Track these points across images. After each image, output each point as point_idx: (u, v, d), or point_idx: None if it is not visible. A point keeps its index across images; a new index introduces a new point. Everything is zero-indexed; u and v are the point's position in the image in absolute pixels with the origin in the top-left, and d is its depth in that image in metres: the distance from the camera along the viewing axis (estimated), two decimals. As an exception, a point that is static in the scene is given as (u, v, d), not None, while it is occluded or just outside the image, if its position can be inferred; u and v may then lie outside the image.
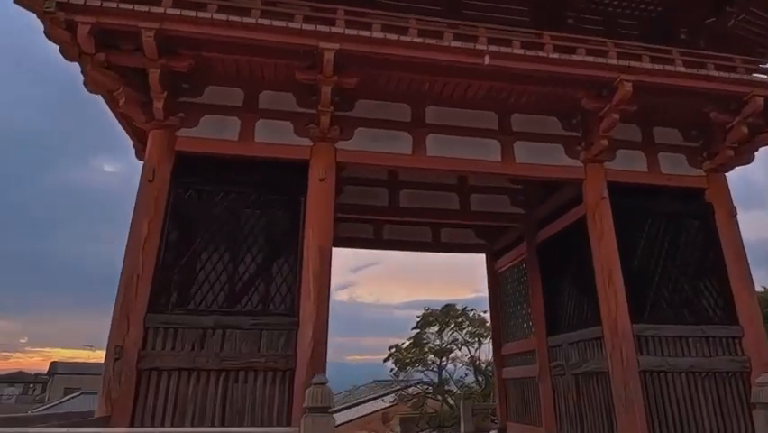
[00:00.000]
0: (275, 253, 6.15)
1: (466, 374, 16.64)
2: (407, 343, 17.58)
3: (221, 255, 6.02)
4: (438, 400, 16.96)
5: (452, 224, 10.81)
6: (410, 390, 17.63)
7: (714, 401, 6.43)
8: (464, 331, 16.86)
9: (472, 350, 16.52)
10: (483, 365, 16.15)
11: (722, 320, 6.83)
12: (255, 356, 5.61)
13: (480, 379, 15.81)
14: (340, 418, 30.36)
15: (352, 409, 30.50)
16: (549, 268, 8.50)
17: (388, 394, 19.21)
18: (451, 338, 16.78)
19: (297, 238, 6.17)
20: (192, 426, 5.28)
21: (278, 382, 5.60)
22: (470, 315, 16.95)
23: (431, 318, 17.32)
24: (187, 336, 5.60)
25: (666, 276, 6.98)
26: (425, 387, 17.21)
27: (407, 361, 17.16)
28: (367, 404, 26.08)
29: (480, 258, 11.19)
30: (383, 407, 21.53)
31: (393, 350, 17.81)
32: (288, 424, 5.37)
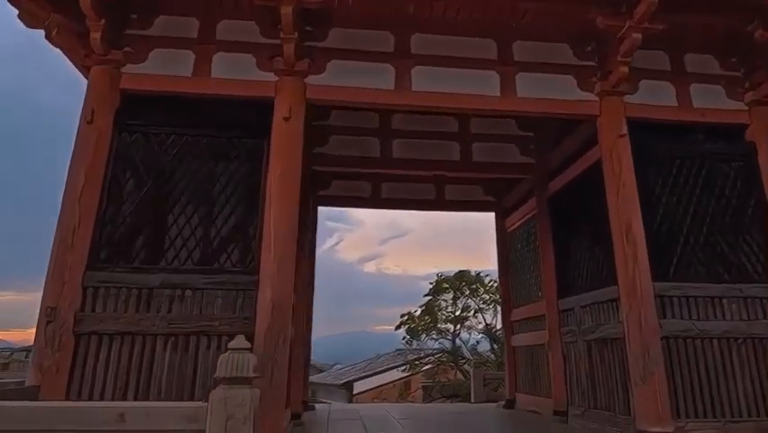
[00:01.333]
0: (233, 204, 5.38)
1: (478, 342, 15.90)
2: (420, 311, 16.89)
3: (171, 207, 5.29)
4: (452, 369, 16.35)
5: (458, 179, 9.86)
6: (424, 359, 17.03)
7: (751, 372, 5.46)
8: (479, 298, 16.02)
9: (488, 317, 15.71)
10: (499, 333, 15.32)
11: (765, 279, 5.78)
12: (208, 319, 4.91)
13: (495, 347, 15.02)
14: (360, 386, 30.57)
15: (375, 377, 30.58)
16: (560, 223, 7.51)
17: (403, 364, 18.68)
18: (465, 305, 15.99)
19: (259, 187, 5.38)
20: (135, 397, 4.66)
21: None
22: (486, 281, 16.06)
23: (444, 285, 16.51)
24: (131, 297, 4.93)
25: (697, 228, 5.94)
26: (439, 355, 16.58)
27: (420, 329, 16.48)
28: (386, 373, 25.90)
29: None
30: (405, 375, 21.19)
31: (405, 318, 17.14)
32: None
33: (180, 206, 5.29)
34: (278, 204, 5.17)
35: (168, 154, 5.43)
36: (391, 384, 24.21)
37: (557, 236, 7.58)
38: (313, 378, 37.51)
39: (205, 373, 4.79)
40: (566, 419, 6.80)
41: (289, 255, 5.10)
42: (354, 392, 31.01)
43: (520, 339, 8.78)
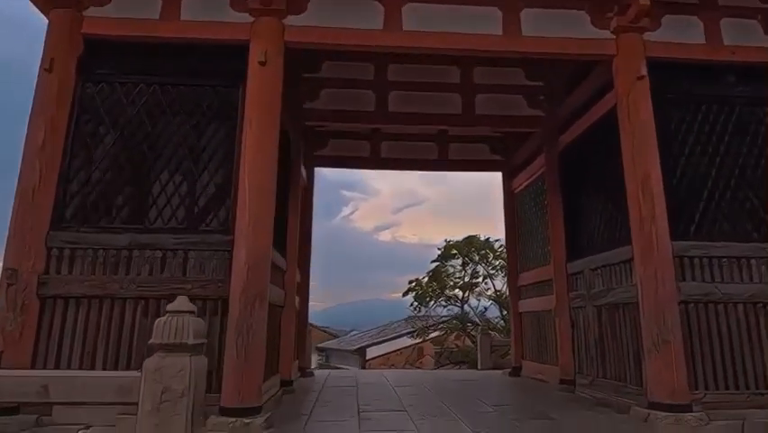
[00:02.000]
0: (206, 159, 4.94)
1: (486, 309, 15.52)
2: (427, 277, 16.51)
3: (140, 161, 4.87)
4: (461, 336, 16.07)
5: (462, 137, 9.28)
6: (432, 325, 16.76)
7: (780, 340, 4.95)
8: (488, 264, 15.56)
9: (497, 284, 15.27)
10: (508, 300, 14.88)
11: (798, 237, 5.20)
12: (179, 282, 4.52)
13: (504, 313, 14.62)
14: (373, 352, 30.75)
15: (387, 343, 30.74)
16: (571, 180, 6.93)
17: (411, 331, 18.46)
18: (474, 271, 15.55)
19: (233, 139, 4.92)
20: (104, 365, 4.33)
21: (209, 313, 4.55)
22: (496, 246, 15.55)
23: (453, 251, 16.05)
24: (98, 259, 4.58)
25: (723, 181, 5.34)
26: (447, 322, 16.28)
27: (428, 295, 16.15)
28: (399, 339, 25.95)
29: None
30: (417, 342, 21.08)
31: (413, 284, 16.80)
32: (220, 364, 4.37)
33: (150, 161, 4.87)
34: (254, 157, 4.70)
35: (135, 105, 4.97)
36: (403, 350, 24.24)
37: (567, 195, 7.01)
38: (328, 344, 38.00)
39: (177, 339, 4.45)
40: (573, 388, 6.40)
41: (266, 213, 4.67)
42: (367, 358, 31.27)
43: (527, 305, 8.34)
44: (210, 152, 4.95)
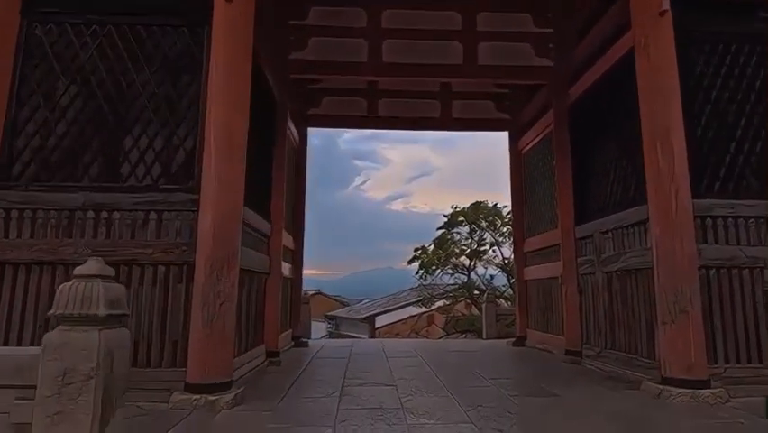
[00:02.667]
0: (168, 109, 4.42)
1: (493, 277, 15.07)
2: (433, 245, 16.05)
3: (94, 112, 4.37)
4: (468, 304, 15.72)
5: (466, 94, 8.65)
6: (438, 294, 16.41)
7: (813, 309, 4.42)
8: (496, 231, 15.03)
9: (505, 251, 14.78)
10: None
11: (837, 195, 4.59)
12: (140, 246, 4.11)
13: (511, 281, 14.15)
14: (382, 320, 30.76)
15: (396, 311, 30.72)
16: (581, 136, 6.32)
17: (417, 300, 18.14)
18: (481, 238, 15.04)
19: (199, 88, 4.39)
20: (59, 335, 3.98)
21: (173, 280, 4.13)
22: (504, 213, 14.98)
23: (460, 218, 15.52)
24: (49, 220, 4.15)
25: (753, 132, 4.71)
26: (454, 290, 15.90)
27: (434, 263, 15.72)
28: (408, 308, 25.85)
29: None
30: (426, 310, 20.90)
31: (419, 252, 16.36)
32: (186, 336, 3.97)
33: (107, 112, 4.37)
34: (221, 108, 4.17)
35: (88, 48, 4.44)
36: (411, 319, 24.14)
37: (577, 152, 6.41)
38: (337, 312, 38.16)
39: (138, 309, 4.05)
40: (579, 359, 5.95)
41: (235, 169, 4.17)
42: (376, 326, 31.35)
43: (532, 272, 7.85)
44: (173, 101, 4.42)
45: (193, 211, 4.14)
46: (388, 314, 32.33)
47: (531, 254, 7.99)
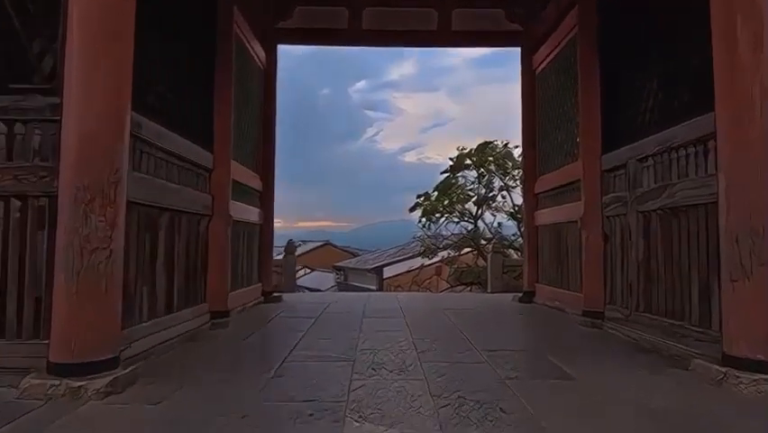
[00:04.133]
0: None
1: (500, 225, 13.79)
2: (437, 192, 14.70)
3: None
4: (475, 255, 14.56)
5: (469, 1, 7.06)
6: (441, 243, 15.23)
7: None
8: (507, 175, 13.60)
9: (516, 197, 13.40)
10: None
11: None
12: (-20, 171, 2.90)
13: (522, 230, 12.88)
14: (390, 271, 30.07)
15: (404, 262, 30.01)
16: (612, 37, 4.84)
17: (421, 252, 17.01)
18: (489, 183, 13.65)
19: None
20: None
21: (31, 218, 2.94)
22: (516, 155, 13.50)
23: (466, 161, 14.08)
24: None
25: None
26: (459, 240, 14.70)
27: (437, 211, 14.44)
28: (415, 259, 25.00)
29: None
30: (435, 261, 19.97)
31: (422, 199, 15.06)
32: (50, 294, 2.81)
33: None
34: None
35: None
36: (418, 269, 23.25)
37: (606, 59, 4.95)
38: (345, 263, 37.57)
39: (-18, 258, 2.89)
40: (601, 322, 4.76)
41: (116, 59, 2.87)
42: (384, 276, 30.72)
43: (545, 216, 6.55)
44: (25, -36, 3.07)
45: (55, 121, 2.88)
46: (395, 265, 31.65)
47: (544, 195, 6.66)
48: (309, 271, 38.31)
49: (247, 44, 6.00)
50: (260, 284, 6.63)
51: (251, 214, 6.27)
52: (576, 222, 5.32)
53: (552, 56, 6.37)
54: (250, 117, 6.22)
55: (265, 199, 6.84)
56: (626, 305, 4.40)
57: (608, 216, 4.78)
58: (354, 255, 44.07)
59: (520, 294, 7.06)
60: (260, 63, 6.65)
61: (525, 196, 7.42)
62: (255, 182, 6.45)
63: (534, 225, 6.93)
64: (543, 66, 6.70)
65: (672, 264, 3.75)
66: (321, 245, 48.20)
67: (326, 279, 36.04)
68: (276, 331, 4.63)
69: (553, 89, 6.40)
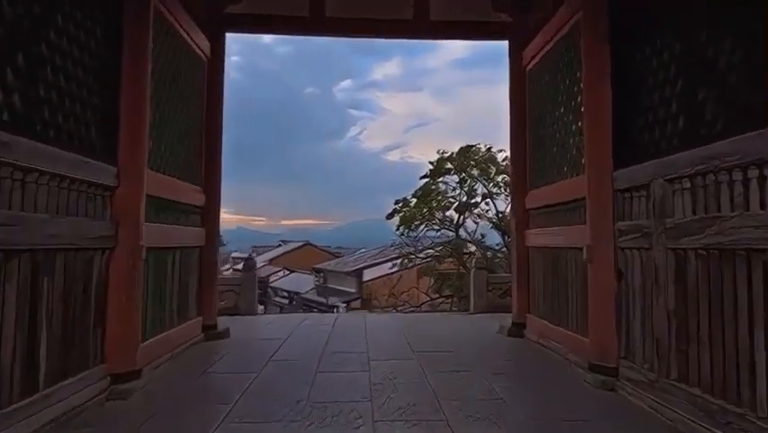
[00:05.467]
0: None
1: (484, 235, 12.86)
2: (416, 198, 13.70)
3: None
4: (455, 266, 13.59)
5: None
6: (420, 252, 14.23)
7: None
8: (490, 181, 12.68)
9: (500, 204, 12.49)
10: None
11: None
12: None
13: (506, 239, 11.98)
14: (372, 273, 29.12)
15: (382, 266, 29.18)
16: (631, 22, 3.87)
17: (397, 258, 16.01)
18: (471, 188, 12.70)
19: None
20: None
21: None
22: (499, 159, 12.58)
23: (447, 165, 13.12)
24: None
25: None
26: (440, 248, 13.73)
27: (416, 218, 13.44)
28: (396, 261, 24.23)
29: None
30: (410, 267, 19.05)
31: (399, 205, 14.04)
32: None
33: None
34: None
35: None
36: (394, 277, 22.33)
37: (622, 48, 3.97)
38: (325, 265, 36.33)
39: None
40: (614, 380, 3.79)
41: None
42: (364, 279, 29.68)
43: (539, 237, 5.58)
44: None
45: None
46: (375, 267, 30.70)
47: (537, 212, 5.69)
48: (288, 272, 37.03)
49: (180, 29, 4.89)
50: (199, 318, 5.53)
51: (187, 236, 5.16)
52: (579, 249, 4.33)
53: (546, 50, 5.39)
54: (184, 116, 5.11)
55: (208, 216, 5.73)
56: (650, 366, 3.43)
57: (622, 248, 3.81)
58: (335, 256, 42.82)
59: (508, 326, 6.08)
60: (200, 52, 5.53)
61: (514, 211, 6.43)
62: (193, 197, 5.35)
63: (524, 245, 5.96)
64: (534, 62, 5.73)
65: (724, 323, 2.78)
66: (301, 246, 46.83)
67: (305, 281, 34.75)
68: (195, 402, 3.52)
69: (547, 89, 5.42)
